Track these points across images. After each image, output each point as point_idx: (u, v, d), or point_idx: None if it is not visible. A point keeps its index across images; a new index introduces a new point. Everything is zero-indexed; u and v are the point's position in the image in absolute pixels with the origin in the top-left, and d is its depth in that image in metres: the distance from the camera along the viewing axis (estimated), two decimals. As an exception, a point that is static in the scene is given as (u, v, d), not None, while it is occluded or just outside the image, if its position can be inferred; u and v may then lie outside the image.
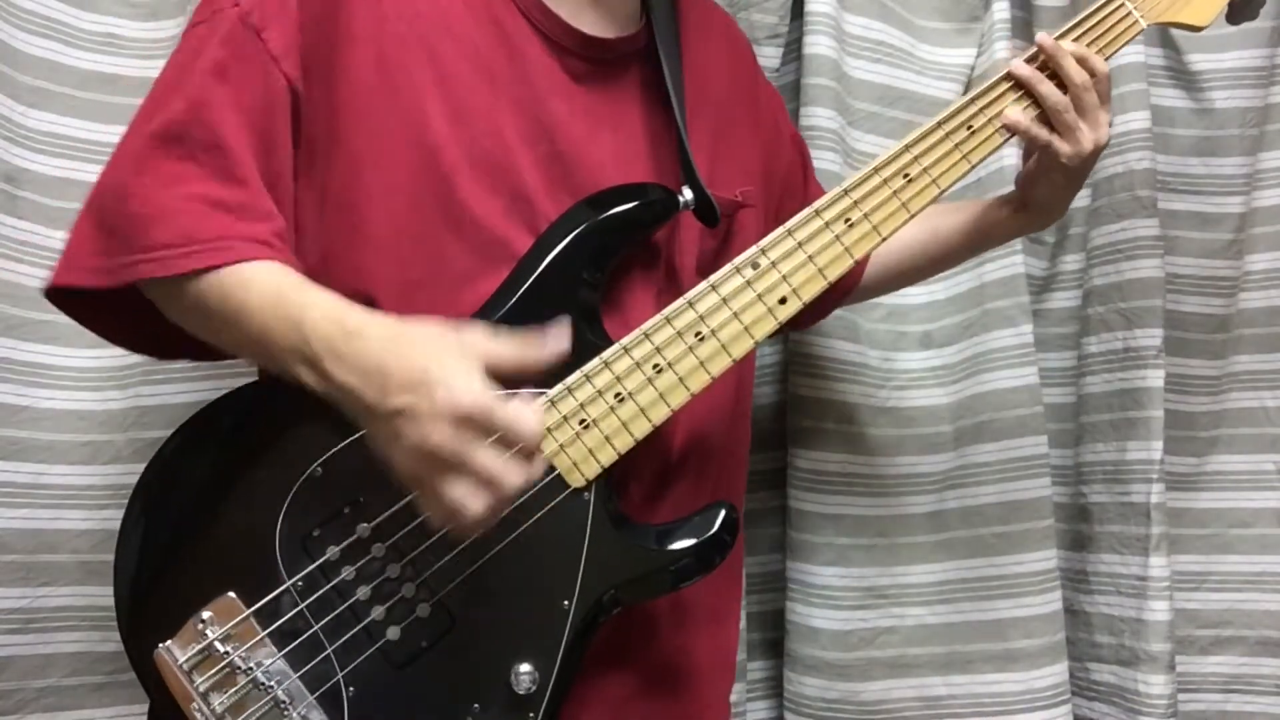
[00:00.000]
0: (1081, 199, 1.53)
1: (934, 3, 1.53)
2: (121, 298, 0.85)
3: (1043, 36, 1.01)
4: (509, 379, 0.76)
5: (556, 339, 0.78)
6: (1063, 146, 1.01)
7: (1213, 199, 1.55)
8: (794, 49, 1.47)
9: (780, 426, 1.49)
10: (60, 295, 0.88)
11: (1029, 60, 1.01)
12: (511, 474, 0.72)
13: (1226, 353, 1.54)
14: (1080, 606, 1.50)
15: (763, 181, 1.12)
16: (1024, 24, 1.55)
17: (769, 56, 1.44)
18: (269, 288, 0.81)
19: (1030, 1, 1.54)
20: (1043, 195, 1.10)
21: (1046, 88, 1.00)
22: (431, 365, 0.72)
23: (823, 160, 1.41)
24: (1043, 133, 1.01)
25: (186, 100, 0.85)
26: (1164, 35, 1.55)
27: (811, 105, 1.43)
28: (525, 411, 0.72)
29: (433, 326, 0.76)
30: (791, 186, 1.21)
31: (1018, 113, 1.00)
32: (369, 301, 0.87)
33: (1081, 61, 1.00)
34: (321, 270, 0.88)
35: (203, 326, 0.87)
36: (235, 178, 0.84)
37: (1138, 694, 1.41)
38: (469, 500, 0.72)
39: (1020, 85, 1.00)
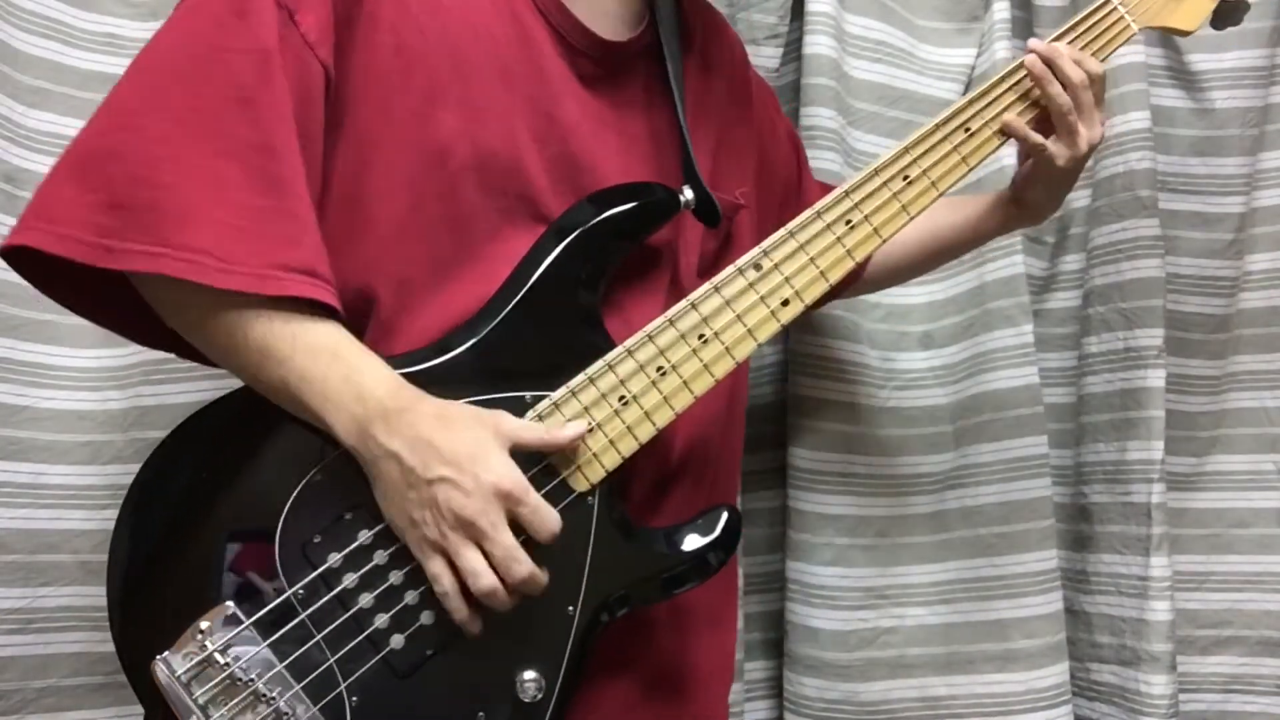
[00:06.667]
0: (1082, 199, 1.53)
1: (934, 3, 1.53)
2: (99, 273, 0.78)
3: (1035, 41, 1.02)
4: (513, 381, 0.85)
5: (576, 428, 0.84)
6: (1060, 149, 1.03)
7: (1213, 199, 1.55)
8: (794, 49, 1.47)
9: (780, 426, 1.49)
10: (20, 254, 0.78)
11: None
12: (523, 559, 0.79)
13: (1226, 353, 1.54)
14: (1081, 607, 1.50)
15: (757, 182, 1.11)
16: (1024, 24, 1.55)
17: (769, 56, 1.44)
18: (323, 340, 0.81)
19: (1030, 1, 1.54)
20: (1039, 196, 1.13)
21: (1055, 89, 1.00)
22: (476, 448, 0.79)
23: (823, 160, 1.41)
24: (1038, 138, 1.03)
25: (225, 85, 0.80)
26: (1164, 36, 1.55)
27: (811, 105, 1.43)
28: (550, 508, 0.80)
29: (472, 410, 0.82)
30: (790, 184, 1.21)
31: (1014, 117, 1.01)
32: (370, 297, 0.87)
33: (1077, 64, 1.01)
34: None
35: (203, 340, 0.84)
36: (281, 184, 0.80)
37: (1139, 694, 1.41)
38: (481, 572, 0.78)
39: (1032, 79, 1.01)
